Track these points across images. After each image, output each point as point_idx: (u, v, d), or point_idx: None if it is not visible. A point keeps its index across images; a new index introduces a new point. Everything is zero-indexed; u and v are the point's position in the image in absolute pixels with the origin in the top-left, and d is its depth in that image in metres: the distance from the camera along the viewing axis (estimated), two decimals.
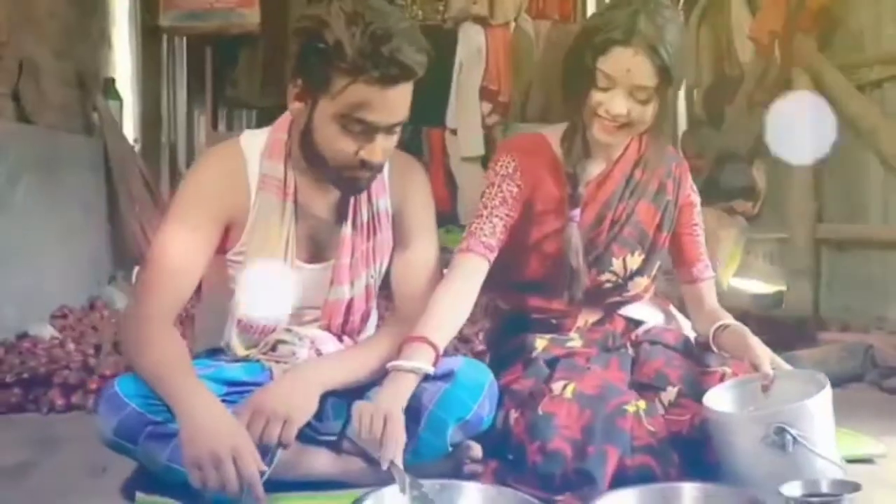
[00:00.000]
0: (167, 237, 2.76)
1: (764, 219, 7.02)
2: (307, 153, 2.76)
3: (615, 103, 2.83)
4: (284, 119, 2.87)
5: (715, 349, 3.02)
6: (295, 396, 2.59)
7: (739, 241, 6.96)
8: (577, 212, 3.01)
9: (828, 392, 2.65)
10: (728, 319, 3.06)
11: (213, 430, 2.45)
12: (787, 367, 2.90)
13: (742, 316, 5.30)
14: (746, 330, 2.99)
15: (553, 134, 3.11)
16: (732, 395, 2.81)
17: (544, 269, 3.09)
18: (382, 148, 2.67)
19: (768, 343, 4.66)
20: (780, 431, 2.54)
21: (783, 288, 6.47)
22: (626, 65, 2.80)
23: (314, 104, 2.65)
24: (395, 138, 2.72)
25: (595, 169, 3.08)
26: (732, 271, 6.98)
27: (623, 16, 2.80)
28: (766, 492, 2.46)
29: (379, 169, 2.75)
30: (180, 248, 2.73)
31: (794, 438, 2.53)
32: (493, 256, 2.97)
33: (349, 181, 2.75)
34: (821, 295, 6.15)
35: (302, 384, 2.64)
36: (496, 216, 2.98)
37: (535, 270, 3.10)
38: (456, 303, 2.87)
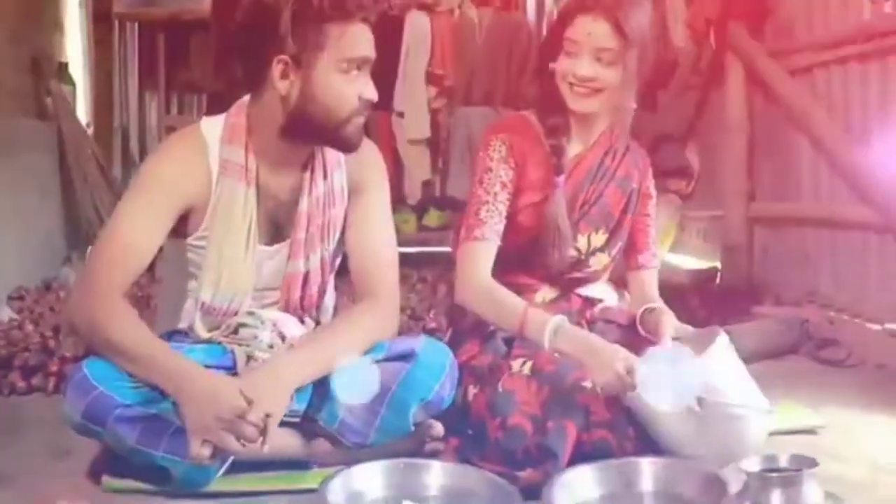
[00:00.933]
0: (121, 215, 2.82)
1: (698, 197, 7.15)
2: (302, 124, 2.83)
3: (582, 66, 3.04)
4: (240, 106, 2.95)
5: (641, 330, 3.14)
6: (274, 396, 2.59)
7: (674, 219, 7.09)
8: (562, 178, 3.16)
9: (722, 342, 2.80)
10: (656, 304, 3.21)
11: (213, 393, 2.53)
12: (691, 329, 3.04)
13: (678, 291, 5.51)
14: (666, 310, 3.13)
15: (533, 115, 3.28)
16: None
17: (508, 243, 3.18)
18: (373, 86, 2.84)
19: (704, 317, 4.89)
20: None
21: (717, 264, 6.64)
22: (587, 29, 3.03)
23: (310, 65, 2.76)
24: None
25: (572, 151, 3.23)
26: (667, 248, 7.13)
27: None
28: (699, 455, 2.65)
29: (368, 108, 2.87)
30: (133, 227, 2.78)
31: (700, 398, 2.65)
32: (499, 241, 3.13)
33: (349, 134, 2.85)
34: (754, 271, 6.28)
35: (277, 384, 2.64)
36: (500, 201, 3.13)
37: (503, 243, 3.18)
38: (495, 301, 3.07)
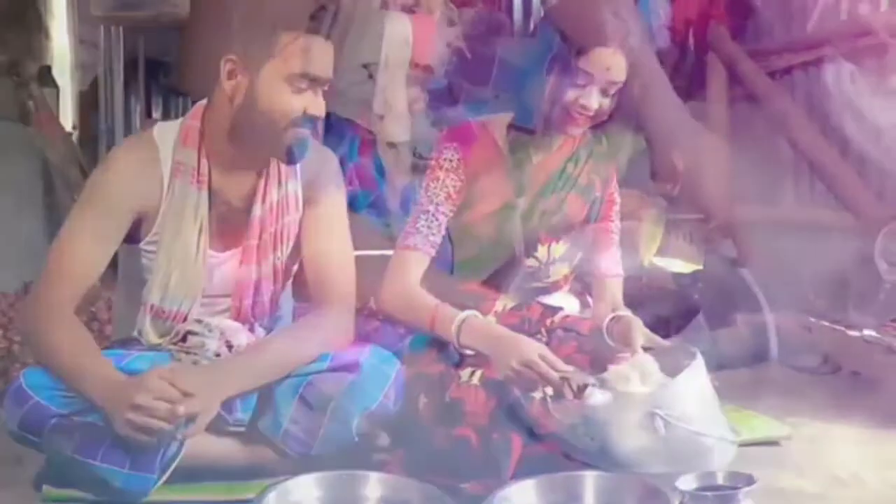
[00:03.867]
0: (72, 225, 2.82)
1: (684, 200, 7.12)
2: (245, 128, 2.82)
3: (592, 99, 2.98)
4: (198, 108, 2.95)
5: (608, 340, 3.09)
6: (199, 387, 2.58)
7: (660, 221, 7.07)
8: (522, 200, 3.12)
9: (697, 365, 2.73)
10: (622, 311, 3.15)
11: (128, 387, 2.53)
12: (662, 341, 2.99)
13: (661, 295, 5.46)
14: (635, 319, 3.07)
15: (495, 122, 3.22)
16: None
17: (468, 251, 3.19)
18: (322, 104, 2.82)
19: (685, 323, 4.84)
20: (651, 415, 2.61)
21: (700, 267, 6.60)
22: (606, 63, 2.94)
23: (258, 69, 2.75)
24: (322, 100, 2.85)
25: (534, 159, 3.18)
26: (653, 251, 7.11)
27: (592, 17, 2.95)
28: (649, 472, 2.61)
29: (314, 125, 2.87)
30: (82, 238, 2.78)
31: (665, 420, 2.61)
32: (434, 253, 3.08)
33: (292, 145, 2.82)
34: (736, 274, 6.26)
35: (206, 378, 2.66)
36: (441, 213, 3.09)
37: (460, 252, 3.20)
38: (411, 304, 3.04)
